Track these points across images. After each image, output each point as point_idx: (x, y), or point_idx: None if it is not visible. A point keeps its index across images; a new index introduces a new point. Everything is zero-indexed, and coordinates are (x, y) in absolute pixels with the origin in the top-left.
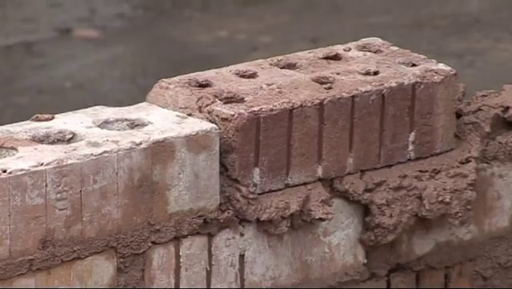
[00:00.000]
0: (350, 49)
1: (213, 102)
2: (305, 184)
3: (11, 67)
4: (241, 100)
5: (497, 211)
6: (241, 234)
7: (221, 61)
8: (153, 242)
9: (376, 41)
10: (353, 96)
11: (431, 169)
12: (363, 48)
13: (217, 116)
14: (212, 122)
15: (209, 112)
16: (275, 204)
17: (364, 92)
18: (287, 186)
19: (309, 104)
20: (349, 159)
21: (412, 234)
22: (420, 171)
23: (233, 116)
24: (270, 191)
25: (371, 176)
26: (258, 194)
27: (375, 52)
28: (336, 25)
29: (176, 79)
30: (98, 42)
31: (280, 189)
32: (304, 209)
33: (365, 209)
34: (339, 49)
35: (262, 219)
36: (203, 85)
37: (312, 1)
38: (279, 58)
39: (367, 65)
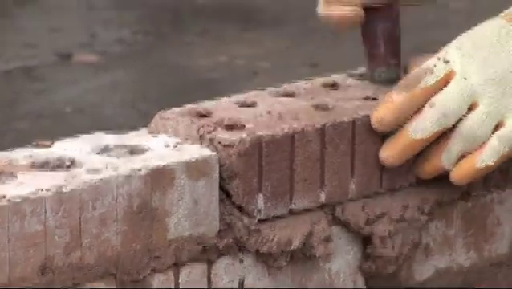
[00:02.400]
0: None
1: (214, 130)
2: (308, 210)
3: (11, 91)
4: (243, 127)
5: (497, 237)
6: (241, 261)
7: (221, 86)
8: (153, 269)
9: None
10: (354, 121)
11: (433, 200)
12: (361, 77)
13: (220, 142)
14: (214, 150)
15: (210, 140)
16: (277, 238)
17: (364, 116)
18: (291, 212)
19: (310, 129)
20: (351, 184)
21: (411, 260)
22: (422, 202)
23: (235, 141)
24: (274, 217)
25: (373, 207)
26: (262, 220)
27: None
28: (335, 50)
29: (177, 109)
30: (98, 67)
31: (284, 216)
32: (306, 244)
33: (365, 237)
34: (336, 77)
35: (261, 251)
36: (203, 115)
37: (311, 26)
38: (277, 88)
39: (365, 92)
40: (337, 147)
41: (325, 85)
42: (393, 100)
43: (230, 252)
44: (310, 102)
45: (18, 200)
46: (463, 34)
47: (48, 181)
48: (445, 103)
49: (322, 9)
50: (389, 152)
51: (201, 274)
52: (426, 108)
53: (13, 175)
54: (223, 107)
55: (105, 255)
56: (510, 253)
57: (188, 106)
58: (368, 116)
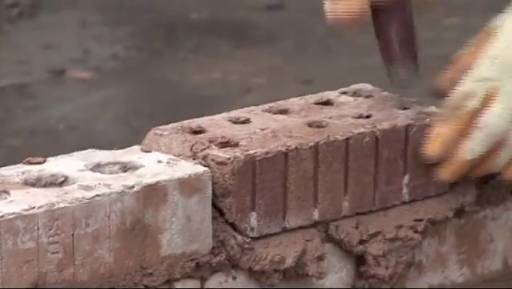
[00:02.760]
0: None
1: (207, 147)
2: (301, 228)
3: (4, 108)
4: (236, 145)
5: (490, 254)
6: (234, 278)
7: (214, 102)
8: (145, 286)
9: (367, 86)
10: (347, 138)
11: (426, 218)
12: (354, 94)
13: (213, 160)
14: (207, 167)
15: (203, 158)
16: (271, 256)
17: (358, 134)
18: (284, 230)
19: (304, 147)
20: (344, 202)
21: (404, 277)
22: (416, 220)
23: (229, 159)
24: (268, 235)
25: (366, 226)
26: (255, 238)
27: (366, 97)
28: (329, 66)
29: (170, 126)
30: (91, 84)
31: (277, 234)
32: (299, 262)
33: (359, 255)
34: (330, 95)
35: (254, 269)
36: (197, 132)
37: (305, 43)
38: (271, 104)
39: (359, 109)
40: (330, 165)
41: (318, 102)
42: (440, 133)
43: (223, 269)
44: (304, 119)
45: (11, 217)
46: (491, 37)
47: (41, 198)
48: (493, 124)
49: (328, 5)
50: (445, 174)
51: None
52: (476, 131)
53: (5, 192)
54: (217, 123)
55: (98, 272)
56: (503, 269)
57: (182, 122)
58: (362, 134)
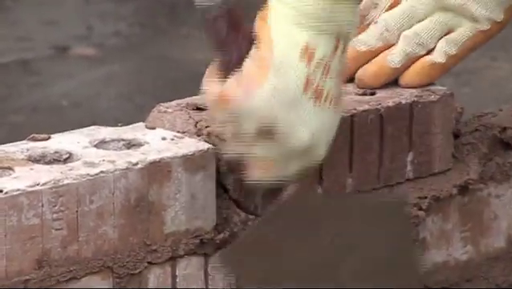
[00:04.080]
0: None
1: (212, 124)
2: None
3: (7, 85)
4: None
5: (493, 232)
6: None
7: None
8: (149, 263)
9: None
10: (351, 116)
11: (430, 196)
12: None
13: (217, 136)
14: (212, 144)
15: (208, 134)
16: None
17: (362, 112)
18: None
19: None
20: (348, 179)
21: None
22: (420, 198)
23: None
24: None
25: None
26: (259, 215)
27: None
28: None
29: (174, 103)
30: (94, 60)
31: None
32: None
33: None
34: None
35: None
36: (201, 108)
37: None
38: None
39: None
40: (334, 142)
41: None
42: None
43: (227, 246)
44: None
45: (15, 193)
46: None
47: (45, 175)
48: (388, 19)
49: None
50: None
51: (198, 268)
52: (371, 26)
53: (10, 168)
54: None
55: (102, 249)
56: (507, 247)
57: (186, 99)
58: (366, 111)
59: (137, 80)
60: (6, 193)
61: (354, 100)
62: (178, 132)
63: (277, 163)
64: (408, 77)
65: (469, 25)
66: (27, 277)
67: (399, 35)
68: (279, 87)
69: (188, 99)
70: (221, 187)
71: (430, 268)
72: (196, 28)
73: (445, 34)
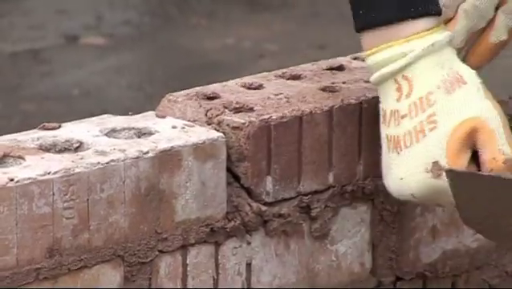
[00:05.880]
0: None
1: (222, 112)
2: (316, 192)
3: (18, 74)
4: (251, 110)
5: None
6: (248, 243)
7: (227, 68)
8: (160, 251)
9: None
10: (361, 103)
11: None
12: None
13: (228, 125)
14: (223, 133)
15: (218, 123)
16: (285, 220)
17: (371, 98)
18: (299, 194)
19: (318, 111)
20: (359, 166)
21: (418, 242)
22: None
23: (244, 124)
24: (283, 200)
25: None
26: (270, 203)
27: None
28: (342, 31)
29: (184, 92)
30: (105, 50)
31: (292, 198)
32: (312, 226)
33: (372, 220)
34: (342, 60)
35: (269, 234)
36: (211, 97)
37: (318, 8)
38: (283, 70)
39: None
40: (345, 129)
41: (330, 68)
42: None
43: (238, 234)
44: (317, 84)
45: (26, 182)
46: None
47: (56, 164)
48: None
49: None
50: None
51: (208, 256)
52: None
53: (20, 157)
54: (230, 89)
55: (113, 237)
56: None
57: (196, 88)
58: (375, 98)
59: (147, 69)
60: (18, 181)
61: (363, 87)
62: (189, 120)
63: None
64: (473, 59)
65: None
66: (38, 265)
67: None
68: None
69: (199, 88)
70: (231, 175)
71: (440, 256)
72: (205, 17)
73: (499, 4)
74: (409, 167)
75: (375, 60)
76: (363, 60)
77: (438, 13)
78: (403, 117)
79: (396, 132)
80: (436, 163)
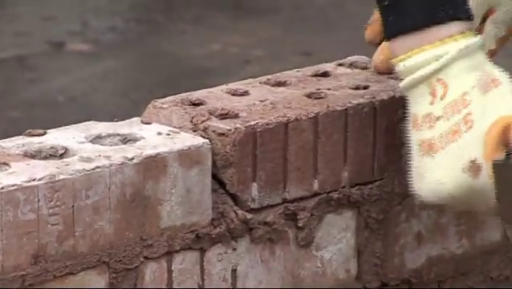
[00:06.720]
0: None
1: (208, 119)
2: (302, 199)
3: (4, 80)
4: (236, 116)
5: (489, 225)
6: (234, 249)
7: (214, 74)
8: (145, 257)
9: (363, 58)
10: (346, 109)
11: None
12: (351, 65)
13: (214, 131)
14: (208, 139)
15: (204, 129)
16: (270, 227)
17: (357, 105)
18: (284, 200)
19: (304, 118)
20: (344, 172)
21: (403, 248)
22: None
23: (229, 130)
24: (268, 206)
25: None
26: (255, 209)
27: (362, 69)
28: (328, 38)
29: (169, 99)
30: (90, 56)
31: (278, 204)
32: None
33: (357, 226)
34: (327, 67)
35: (254, 240)
36: (196, 104)
37: (304, 15)
38: (268, 77)
39: (356, 80)
40: (330, 135)
41: (315, 74)
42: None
43: (223, 240)
44: (302, 91)
45: (11, 188)
46: None
47: (41, 170)
48: None
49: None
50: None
51: (193, 263)
52: None
53: (6, 164)
54: (216, 96)
55: (98, 244)
56: (502, 241)
57: (182, 95)
58: (361, 105)
59: (133, 76)
60: (2, 188)
61: (348, 94)
62: (174, 127)
63: None
64: None
65: (510, 3)
66: (23, 272)
67: None
68: None
69: (184, 95)
70: (217, 182)
71: (425, 262)
72: (191, 23)
73: (486, 14)
74: (446, 168)
75: (408, 64)
76: (348, 67)
77: (469, 18)
78: (438, 119)
79: (430, 135)
80: (473, 162)
